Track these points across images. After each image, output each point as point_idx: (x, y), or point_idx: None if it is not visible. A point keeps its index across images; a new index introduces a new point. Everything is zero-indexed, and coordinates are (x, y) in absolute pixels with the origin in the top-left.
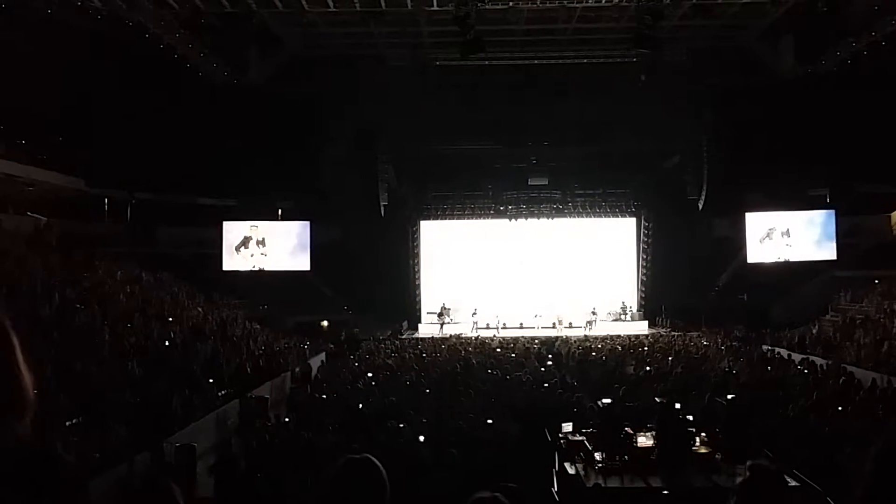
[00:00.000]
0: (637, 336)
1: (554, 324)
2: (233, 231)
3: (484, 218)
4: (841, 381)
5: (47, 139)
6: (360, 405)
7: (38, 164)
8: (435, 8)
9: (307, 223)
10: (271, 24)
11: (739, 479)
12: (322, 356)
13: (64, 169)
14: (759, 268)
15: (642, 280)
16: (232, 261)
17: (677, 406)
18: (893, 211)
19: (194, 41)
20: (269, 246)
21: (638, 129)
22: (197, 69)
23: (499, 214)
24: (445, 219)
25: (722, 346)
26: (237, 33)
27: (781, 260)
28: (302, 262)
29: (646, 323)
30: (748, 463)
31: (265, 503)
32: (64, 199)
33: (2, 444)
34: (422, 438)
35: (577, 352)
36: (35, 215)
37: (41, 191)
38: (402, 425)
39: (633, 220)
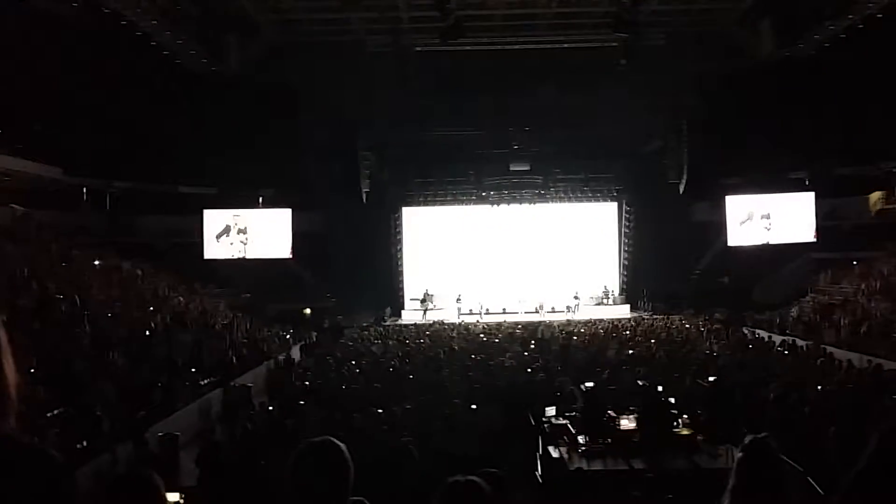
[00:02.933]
0: (619, 320)
1: (537, 309)
2: (214, 219)
3: (466, 204)
4: (820, 361)
5: (24, 128)
6: (344, 392)
7: (15, 153)
8: None
9: (289, 211)
10: (249, 10)
11: (738, 455)
12: (306, 344)
13: (41, 158)
14: (740, 251)
15: (624, 264)
16: (213, 249)
17: (660, 389)
18: (872, 193)
19: (172, 28)
20: (251, 234)
21: (618, 114)
22: (175, 57)
23: (481, 200)
24: (427, 205)
25: (703, 328)
26: (215, 20)
27: (761, 243)
28: (284, 250)
29: (628, 307)
30: (747, 439)
31: (249, 491)
32: (41, 189)
33: None
34: (406, 424)
35: (560, 336)
36: (17, 207)
37: (18, 180)
38: (384, 411)
39: (615, 204)
